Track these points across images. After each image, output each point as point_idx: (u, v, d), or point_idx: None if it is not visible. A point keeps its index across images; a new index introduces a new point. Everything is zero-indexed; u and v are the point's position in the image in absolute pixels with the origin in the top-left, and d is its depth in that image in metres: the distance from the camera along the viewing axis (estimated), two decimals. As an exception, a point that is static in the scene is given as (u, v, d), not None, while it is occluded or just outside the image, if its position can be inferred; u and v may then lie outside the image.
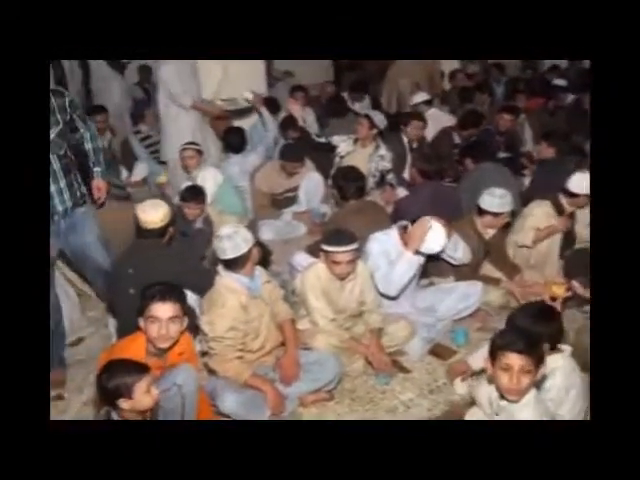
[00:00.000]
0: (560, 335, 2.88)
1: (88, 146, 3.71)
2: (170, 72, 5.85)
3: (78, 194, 3.62)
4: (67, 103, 3.44)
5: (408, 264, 3.79)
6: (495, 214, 4.22)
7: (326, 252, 3.54)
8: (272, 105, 6.94)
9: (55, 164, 3.43)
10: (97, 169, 3.79)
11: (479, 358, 3.24)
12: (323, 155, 6.42)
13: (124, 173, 6.77)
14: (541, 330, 2.72)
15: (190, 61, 5.99)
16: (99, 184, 3.81)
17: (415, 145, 6.30)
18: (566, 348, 2.85)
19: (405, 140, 6.27)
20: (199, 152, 5.55)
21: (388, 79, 8.93)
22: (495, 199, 4.17)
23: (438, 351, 3.90)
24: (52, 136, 3.34)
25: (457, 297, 4.10)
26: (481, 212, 4.26)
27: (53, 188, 3.45)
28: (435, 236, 3.73)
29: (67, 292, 4.17)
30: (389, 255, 3.84)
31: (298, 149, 6.00)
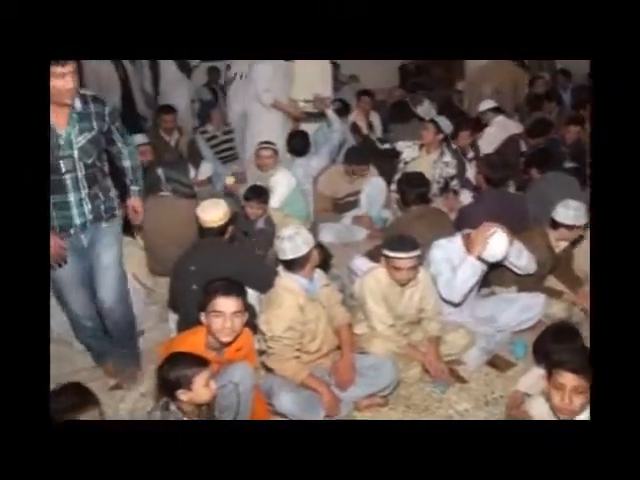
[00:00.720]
0: (583, 354, 2.78)
1: (127, 164, 3.43)
2: (261, 71, 5.91)
3: (102, 208, 3.27)
4: (106, 112, 3.17)
5: (472, 269, 3.74)
6: (569, 227, 4.11)
7: (387, 257, 3.52)
8: (341, 107, 6.95)
9: (79, 172, 3.10)
10: (134, 188, 3.50)
11: (527, 382, 3.21)
12: (386, 161, 6.41)
13: (192, 172, 6.87)
14: (562, 349, 2.66)
15: (286, 62, 6.02)
16: (135, 203, 3.51)
17: (469, 152, 6.23)
18: None
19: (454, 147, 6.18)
20: (276, 152, 5.57)
21: (469, 82, 8.83)
22: (570, 211, 4.07)
23: (496, 362, 3.84)
24: (83, 142, 3.07)
25: (519, 308, 4.02)
26: (555, 225, 4.16)
27: (72, 197, 3.12)
28: (498, 242, 3.68)
29: (134, 287, 4.21)
30: (452, 262, 3.80)
31: (364, 151, 5.99)
